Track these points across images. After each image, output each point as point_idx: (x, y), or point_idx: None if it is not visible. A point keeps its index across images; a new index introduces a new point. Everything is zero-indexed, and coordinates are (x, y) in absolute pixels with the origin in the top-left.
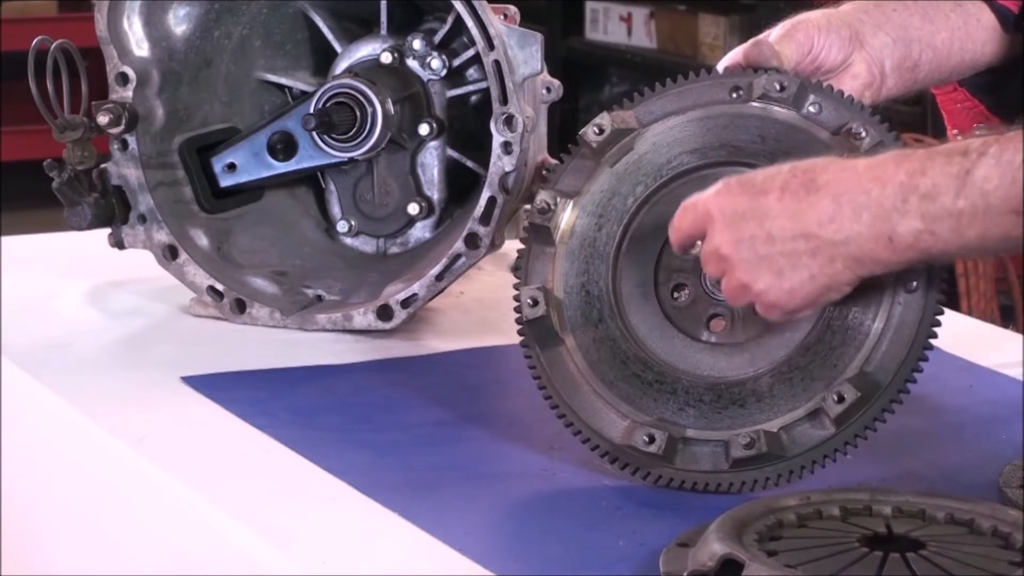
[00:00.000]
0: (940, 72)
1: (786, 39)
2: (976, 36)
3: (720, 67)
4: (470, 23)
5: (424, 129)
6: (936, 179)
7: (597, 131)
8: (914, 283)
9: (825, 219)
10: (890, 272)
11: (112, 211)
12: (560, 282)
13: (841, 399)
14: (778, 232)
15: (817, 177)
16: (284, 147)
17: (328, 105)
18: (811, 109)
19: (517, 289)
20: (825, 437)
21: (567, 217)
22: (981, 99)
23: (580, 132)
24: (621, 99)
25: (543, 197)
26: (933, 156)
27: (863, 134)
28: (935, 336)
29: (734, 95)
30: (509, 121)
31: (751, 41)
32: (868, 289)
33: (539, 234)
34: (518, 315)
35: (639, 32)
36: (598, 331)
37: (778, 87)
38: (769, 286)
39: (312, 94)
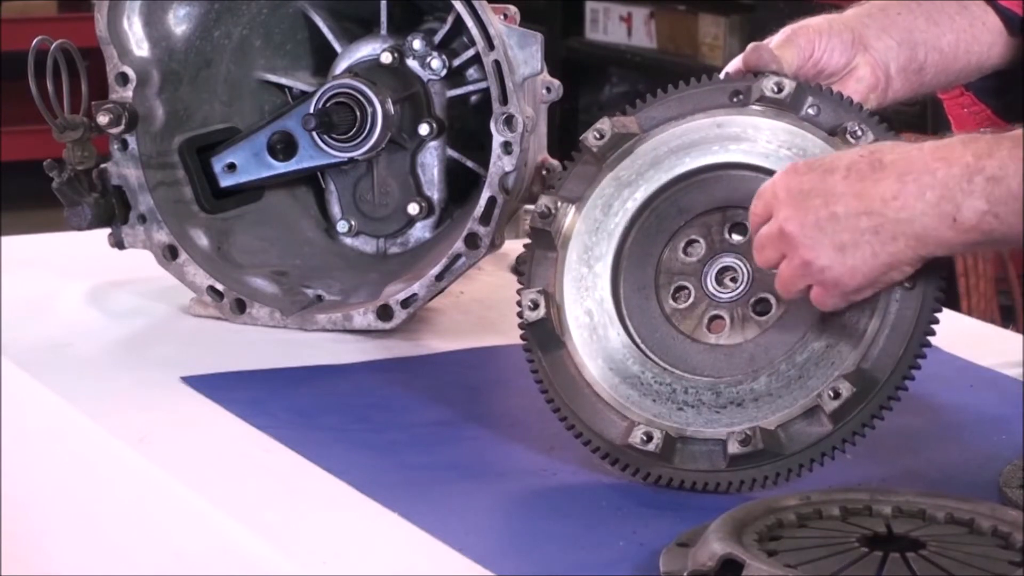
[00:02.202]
0: (947, 75)
1: (787, 44)
2: (982, 39)
3: (723, 75)
4: (470, 23)
5: (424, 129)
6: (1003, 162)
7: (597, 136)
8: (911, 280)
9: (889, 196)
10: (952, 254)
11: (112, 211)
12: (561, 286)
13: (837, 395)
14: (843, 210)
15: (883, 157)
16: (284, 147)
17: (328, 105)
18: (810, 111)
19: (520, 294)
20: (823, 434)
21: (568, 221)
22: (988, 103)
23: (581, 137)
24: (621, 99)
25: (544, 202)
26: (1000, 140)
27: (860, 133)
28: (932, 333)
29: (734, 99)
30: (509, 121)
31: (750, 46)
32: None
33: (541, 239)
34: (520, 319)
35: (639, 32)
36: (598, 333)
37: (776, 89)
38: (832, 262)
39: (312, 94)
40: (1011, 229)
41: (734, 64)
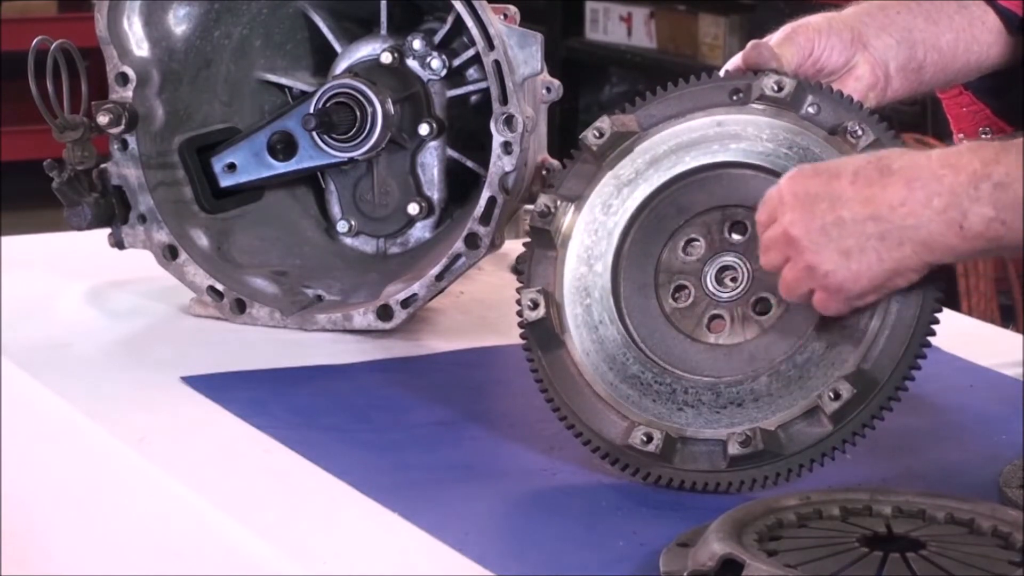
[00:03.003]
0: (946, 74)
1: (786, 42)
2: (981, 38)
3: (722, 73)
4: (470, 23)
5: (424, 129)
6: (1010, 168)
7: (597, 135)
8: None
9: (896, 203)
10: (958, 261)
11: (112, 211)
12: (561, 285)
13: (837, 396)
14: (849, 215)
15: (892, 163)
16: (284, 147)
17: (328, 105)
18: (810, 110)
19: (520, 293)
20: (823, 435)
21: (568, 220)
22: (987, 103)
23: (580, 136)
24: (621, 99)
25: (543, 201)
26: (1008, 147)
27: (860, 133)
28: (933, 334)
29: (734, 98)
30: (509, 121)
31: (750, 44)
32: None
33: (540, 238)
34: (520, 318)
35: (639, 32)
36: (598, 333)
37: (776, 88)
38: (836, 267)
39: (312, 94)
40: (1017, 235)
41: (734, 62)
